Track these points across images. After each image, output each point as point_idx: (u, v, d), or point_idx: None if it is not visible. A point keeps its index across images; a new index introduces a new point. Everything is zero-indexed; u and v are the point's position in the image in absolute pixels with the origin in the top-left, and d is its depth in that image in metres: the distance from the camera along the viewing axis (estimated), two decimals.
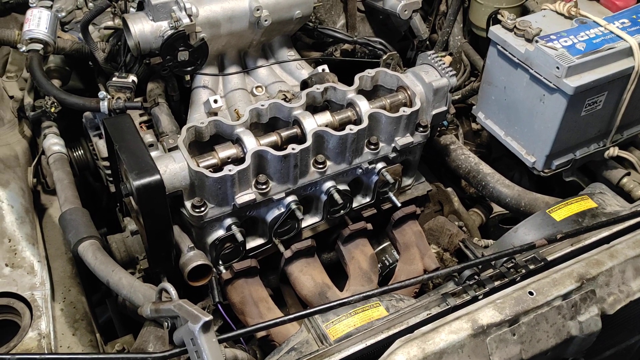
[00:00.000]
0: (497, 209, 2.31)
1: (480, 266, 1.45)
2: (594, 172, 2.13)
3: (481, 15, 2.28)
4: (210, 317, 1.12)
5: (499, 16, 1.94)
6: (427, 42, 2.43)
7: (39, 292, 1.57)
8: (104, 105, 1.78)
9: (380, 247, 2.01)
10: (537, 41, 1.81)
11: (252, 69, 2.06)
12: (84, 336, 1.56)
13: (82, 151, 2.04)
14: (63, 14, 2.10)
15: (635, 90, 1.86)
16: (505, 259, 1.44)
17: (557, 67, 1.74)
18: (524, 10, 2.30)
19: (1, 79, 2.11)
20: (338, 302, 1.31)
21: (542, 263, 1.44)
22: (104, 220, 2.10)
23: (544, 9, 2.01)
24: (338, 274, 1.86)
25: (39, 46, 1.90)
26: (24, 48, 1.90)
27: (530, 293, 1.37)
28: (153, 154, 1.52)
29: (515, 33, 1.89)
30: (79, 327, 1.58)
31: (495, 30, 1.93)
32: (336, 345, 1.30)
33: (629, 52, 1.81)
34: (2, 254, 1.63)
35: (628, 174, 2.03)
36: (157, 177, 1.41)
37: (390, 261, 1.97)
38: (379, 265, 1.95)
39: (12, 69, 2.21)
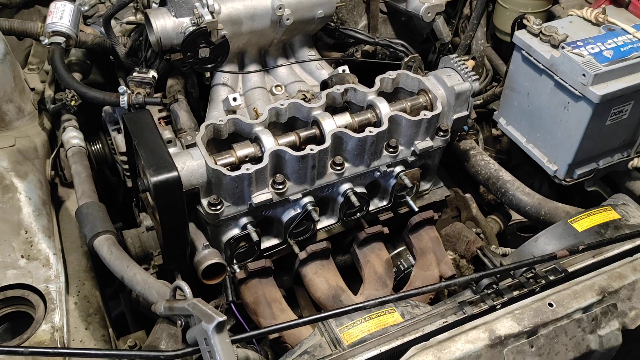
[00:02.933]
0: (515, 216, 2.29)
1: (498, 275, 1.42)
2: (616, 182, 2.10)
3: (506, 20, 2.25)
4: (225, 317, 1.11)
5: (524, 21, 1.91)
6: (449, 46, 2.41)
7: (54, 285, 1.58)
8: (123, 100, 1.79)
9: (396, 251, 1.99)
10: (563, 47, 1.78)
11: (272, 67, 2.06)
12: (96, 330, 1.56)
13: (100, 145, 2.04)
14: (86, 7, 2.11)
15: None
16: (524, 268, 1.41)
17: (584, 75, 1.71)
18: (549, 16, 2.26)
19: (23, 70, 2.13)
20: (353, 306, 1.29)
21: (563, 274, 1.41)
22: (119, 214, 2.10)
23: (571, 15, 1.98)
24: (352, 277, 1.84)
25: (61, 39, 1.91)
26: (46, 41, 1.91)
27: (550, 305, 1.34)
28: (171, 150, 1.52)
29: (540, 38, 1.86)
30: (92, 322, 1.58)
31: (520, 35, 1.90)
32: (350, 350, 1.29)
33: None
34: (18, 245, 1.64)
35: None
36: (174, 173, 1.41)
37: (405, 266, 1.95)
38: (395, 270, 1.93)
39: (34, 61, 2.22)
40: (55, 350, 1.13)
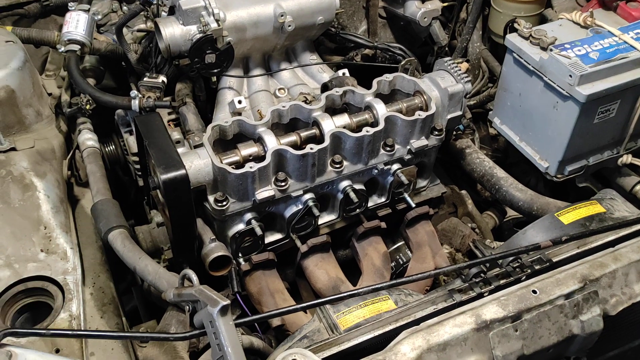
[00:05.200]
0: (511, 212, 2.36)
1: (487, 265, 1.50)
2: (608, 178, 2.17)
3: (500, 23, 2.33)
4: (228, 301, 1.20)
5: (515, 25, 1.99)
6: (447, 48, 2.49)
7: (71, 277, 1.67)
8: (135, 104, 1.87)
9: (395, 246, 2.07)
10: (551, 50, 1.86)
11: (275, 71, 2.15)
12: (111, 319, 1.66)
13: (113, 146, 2.14)
14: (99, 16, 2.21)
15: None
16: (511, 258, 1.49)
17: (570, 76, 1.79)
18: (542, 19, 2.34)
19: (41, 77, 2.23)
20: (349, 293, 1.38)
21: (547, 264, 1.49)
22: (131, 212, 2.20)
23: (561, 18, 2.06)
24: (353, 270, 1.93)
25: (76, 47, 2.01)
26: (62, 49, 2.01)
27: (534, 291, 1.42)
28: (179, 150, 1.62)
29: (530, 41, 1.93)
30: (106, 311, 1.68)
31: (512, 39, 1.98)
32: (346, 335, 1.37)
33: None
34: (38, 240, 1.74)
35: None
36: (182, 172, 1.50)
37: (404, 259, 2.03)
38: (394, 264, 2.01)
39: (51, 67, 2.33)
40: (75, 332, 1.23)
